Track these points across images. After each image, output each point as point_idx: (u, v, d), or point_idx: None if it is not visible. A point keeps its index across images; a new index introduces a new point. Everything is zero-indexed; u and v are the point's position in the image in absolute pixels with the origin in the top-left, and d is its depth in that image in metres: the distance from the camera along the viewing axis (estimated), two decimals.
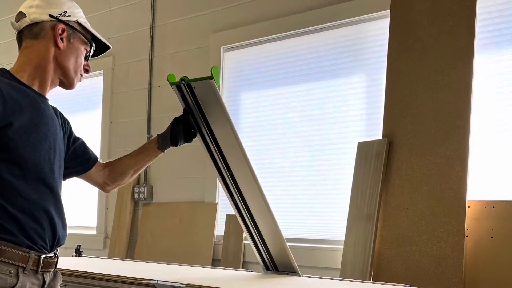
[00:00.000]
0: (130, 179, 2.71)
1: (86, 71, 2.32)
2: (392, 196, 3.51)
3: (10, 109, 1.98)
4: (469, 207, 3.24)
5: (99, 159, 2.61)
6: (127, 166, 2.63)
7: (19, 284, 2.08)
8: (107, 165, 2.64)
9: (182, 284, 2.44)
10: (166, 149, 2.61)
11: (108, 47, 2.41)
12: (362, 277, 3.54)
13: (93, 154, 2.57)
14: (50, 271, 2.22)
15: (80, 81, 2.32)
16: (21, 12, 2.21)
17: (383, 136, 3.57)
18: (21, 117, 2.03)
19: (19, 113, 2.02)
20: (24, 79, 2.13)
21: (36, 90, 2.17)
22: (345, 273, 3.64)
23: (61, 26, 2.18)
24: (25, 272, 2.08)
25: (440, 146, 3.35)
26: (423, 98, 3.45)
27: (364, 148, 3.65)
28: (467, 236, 3.23)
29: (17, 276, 2.07)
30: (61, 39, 2.18)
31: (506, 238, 3.17)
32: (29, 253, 2.08)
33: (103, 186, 2.67)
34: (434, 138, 3.38)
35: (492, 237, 3.19)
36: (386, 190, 3.53)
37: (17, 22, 2.22)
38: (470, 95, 3.25)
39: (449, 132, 3.32)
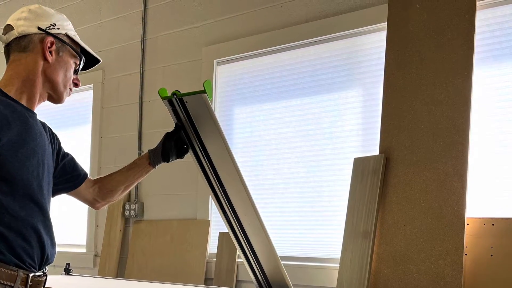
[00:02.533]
0: (121, 196, 2.71)
1: (76, 85, 2.33)
2: (389, 213, 3.48)
3: None
4: (468, 224, 3.23)
5: (88, 176, 2.61)
6: (118, 182, 2.62)
7: None
8: (97, 181, 2.64)
9: None
10: (157, 165, 2.60)
11: (98, 61, 2.42)
12: None
13: (82, 170, 2.57)
14: None
15: (69, 95, 2.33)
16: (8, 25, 2.21)
17: (380, 151, 3.54)
18: (9, 132, 2.03)
19: (7, 128, 2.02)
20: (12, 94, 2.14)
21: (24, 104, 2.17)
22: None
23: (50, 39, 2.19)
24: None
25: (438, 162, 3.33)
26: (421, 112, 3.43)
27: (360, 164, 3.63)
28: (466, 254, 3.20)
29: None
30: (50, 52, 2.19)
31: (506, 256, 3.13)
32: (17, 272, 2.08)
33: (93, 203, 2.66)
34: (432, 154, 3.36)
35: (491, 255, 3.16)
36: (383, 207, 3.51)
37: (4, 35, 2.22)
38: (469, 110, 3.24)
39: (447, 148, 3.31)
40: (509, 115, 3.31)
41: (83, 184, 2.56)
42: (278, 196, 4.29)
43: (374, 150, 3.60)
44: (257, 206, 2.82)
